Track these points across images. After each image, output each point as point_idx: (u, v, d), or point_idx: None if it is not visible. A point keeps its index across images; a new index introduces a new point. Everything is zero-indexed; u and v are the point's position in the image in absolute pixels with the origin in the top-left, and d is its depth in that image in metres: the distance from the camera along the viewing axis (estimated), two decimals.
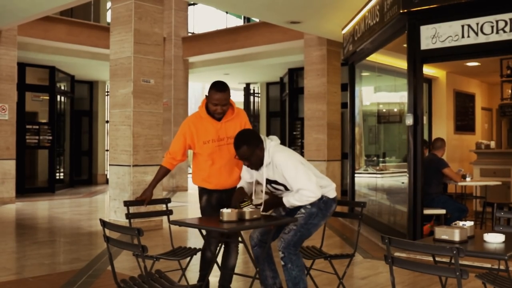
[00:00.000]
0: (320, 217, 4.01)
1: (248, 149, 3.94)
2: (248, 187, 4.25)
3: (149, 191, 4.39)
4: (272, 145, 4.05)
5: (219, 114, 4.25)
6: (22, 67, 13.55)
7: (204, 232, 4.10)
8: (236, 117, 4.38)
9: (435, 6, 6.39)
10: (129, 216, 4.39)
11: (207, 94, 4.27)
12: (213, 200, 4.35)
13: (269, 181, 4.07)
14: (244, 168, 4.24)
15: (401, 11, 6.55)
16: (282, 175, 3.96)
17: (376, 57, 8.62)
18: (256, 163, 4.01)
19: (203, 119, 4.29)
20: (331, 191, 4.08)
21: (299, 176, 3.90)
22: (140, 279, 3.51)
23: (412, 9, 6.52)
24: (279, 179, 4.01)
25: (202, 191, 4.41)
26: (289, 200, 3.96)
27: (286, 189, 4.02)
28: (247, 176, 4.25)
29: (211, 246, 4.27)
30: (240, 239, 3.96)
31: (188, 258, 4.53)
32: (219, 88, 4.22)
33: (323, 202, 4.00)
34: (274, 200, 4.07)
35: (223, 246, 4.38)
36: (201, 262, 4.41)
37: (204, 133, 4.27)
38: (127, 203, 4.43)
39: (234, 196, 4.07)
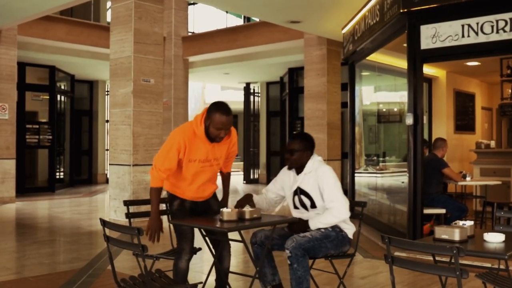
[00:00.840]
0: (333, 245, 4.05)
1: (300, 146, 4.15)
2: (260, 200, 4.32)
3: (157, 219, 3.96)
4: (318, 159, 4.23)
5: (221, 139, 3.94)
6: (22, 66, 13.55)
7: (203, 231, 4.09)
8: (227, 138, 4.07)
9: (435, 5, 6.39)
10: (129, 215, 4.39)
11: (207, 114, 3.90)
12: (186, 204, 4.12)
13: (299, 191, 4.17)
14: (278, 178, 4.38)
15: (401, 11, 6.54)
16: (319, 187, 4.07)
17: (376, 57, 8.62)
18: (296, 161, 4.16)
19: (197, 137, 3.93)
20: (351, 232, 4.18)
21: (337, 191, 4.06)
22: (140, 278, 3.52)
23: (412, 9, 6.51)
24: (311, 191, 4.11)
25: (175, 197, 4.13)
26: (316, 223, 4.05)
27: (312, 206, 4.12)
28: (274, 189, 4.36)
29: (185, 256, 3.98)
30: (240, 238, 3.95)
31: None
32: (225, 111, 3.86)
33: (341, 236, 4.11)
34: (299, 225, 4.11)
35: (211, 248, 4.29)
36: (175, 275, 4.01)
37: (194, 152, 3.94)
38: (127, 203, 4.42)
39: (240, 199, 4.12)
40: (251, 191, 15.47)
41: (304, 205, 4.18)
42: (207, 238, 4.13)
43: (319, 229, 4.06)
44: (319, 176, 4.10)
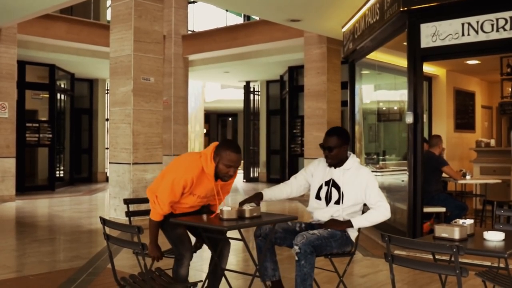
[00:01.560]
0: (337, 245, 4.09)
1: (337, 142, 4.23)
2: (277, 190, 4.40)
3: (156, 247, 3.95)
4: (357, 159, 4.34)
5: (230, 177, 3.92)
6: (22, 65, 13.55)
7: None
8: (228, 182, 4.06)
9: (435, 4, 6.39)
10: (129, 214, 4.39)
11: (215, 152, 3.89)
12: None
13: (332, 183, 4.24)
14: (310, 167, 4.46)
15: (401, 9, 6.54)
16: (360, 186, 4.16)
17: (376, 55, 8.62)
18: (335, 157, 4.24)
19: (204, 175, 3.90)
20: (353, 235, 4.24)
21: (380, 193, 4.18)
22: (140, 276, 3.52)
23: (412, 7, 6.51)
24: (346, 187, 4.19)
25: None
26: (361, 221, 4.16)
27: (336, 202, 4.20)
28: (305, 175, 4.43)
29: (186, 262, 3.87)
30: (239, 237, 3.95)
31: None
32: (236, 149, 3.87)
33: (345, 236, 4.16)
34: (335, 223, 4.16)
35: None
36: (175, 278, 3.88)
37: (198, 188, 3.93)
38: (127, 201, 4.42)
39: (249, 197, 4.18)
40: (251, 189, 15.48)
41: (328, 198, 4.24)
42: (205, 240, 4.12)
43: (326, 228, 4.10)
44: (363, 176, 4.21)
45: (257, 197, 4.22)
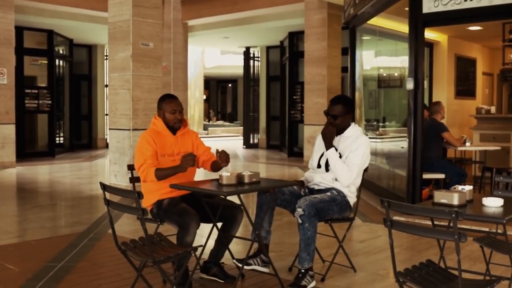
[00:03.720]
0: (337, 209, 4.17)
1: (342, 110, 4.27)
2: (309, 175, 4.48)
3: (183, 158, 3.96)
4: (359, 128, 4.43)
5: (179, 122, 4.19)
6: (19, 30, 13.43)
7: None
8: (188, 133, 4.32)
9: None
10: (133, 179, 4.41)
11: (158, 110, 4.24)
12: (176, 199, 4.09)
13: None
14: (316, 143, 4.51)
15: None
16: (349, 149, 4.23)
17: (377, 21, 8.53)
18: (339, 125, 4.29)
19: (159, 133, 4.18)
20: (352, 201, 4.32)
21: (358, 160, 4.22)
22: (141, 241, 3.54)
23: None
24: (343, 152, 4.26)
25: (162, 200, 4.09)
26: (336, 159, 4.21)
27: None
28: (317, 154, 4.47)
29: (192, 229, 3.76)
30: (239, 202, 3.96)
31: None
32: (171, 96, 4.29)
33: (345, 201, 4.23)
34: (330, 135, 4.27)
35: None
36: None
37: (162, 146, 4.14)
38: (130, 167, 4.43)
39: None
40: (251, 155, 15.53)
41: (327, 164, 4.30)
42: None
43: (327, 192, 4.18)
44: (359, 142, 4.27)
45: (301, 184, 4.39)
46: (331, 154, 4.23)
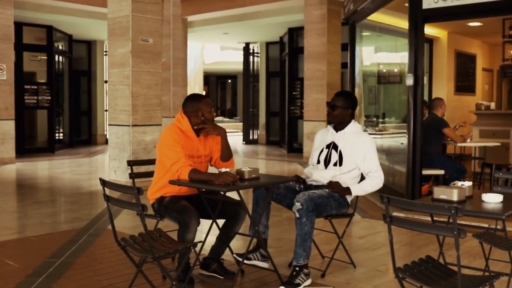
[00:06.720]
0: (335, 205, 4.15)
1: (343, 103, 4.31)
2: (308, 170, 4.49)
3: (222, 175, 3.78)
4: (358, 125, 4.42)
5: (212, 120, 4.09)
6: (19, 26, 13.40)
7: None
8: (211, 136, 4.19)
9: None
10: (132, 175, 4.41)
11: (185, 109, 4.08)
12: (179, 196, 4.08)
13: (333, 146, 4.32)
14: (316, 139, 4.54)
15: None
16: (359, 151, 4.22)
17: (377, 17, 8.51)
18: (337, 117, 4.33)
19: (184, 133, 4.05)
20: (350, 197, 4.30)
21: (378, 163, 4.25)
22: (140, 237, 3.55)
23: None
24: (345, 150, 4.25)
25: (165, 196, 4.08)
26: (358, 190, 4.22)
27: (335, 164, 4.25)
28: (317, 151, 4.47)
29: (193, 226, 3.74)
30: (238, 198, 3.96)
31: None
32: (206, 96, 4.24)
33: (342, 198, 4.22)
34: (338, 185, 4.20)
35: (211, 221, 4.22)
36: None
37: (185, 147, 4.00)
38: (130, 163, 4.42)
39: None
40: (250, 151, 15.52)
41: (327, 161, 4.30)
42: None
43: (325, 188, 4.17)
44: (364, 142, 4.27)
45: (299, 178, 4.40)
46: (356, 191, 4.21)
